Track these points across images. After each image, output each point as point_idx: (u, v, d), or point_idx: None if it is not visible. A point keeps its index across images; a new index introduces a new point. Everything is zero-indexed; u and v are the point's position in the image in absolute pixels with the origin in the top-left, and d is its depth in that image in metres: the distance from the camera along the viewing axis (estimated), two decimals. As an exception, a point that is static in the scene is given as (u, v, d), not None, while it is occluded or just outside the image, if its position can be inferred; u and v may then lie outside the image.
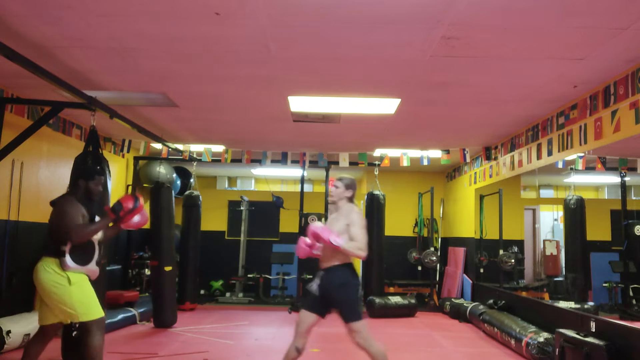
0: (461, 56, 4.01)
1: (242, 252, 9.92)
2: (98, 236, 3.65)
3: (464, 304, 7.69)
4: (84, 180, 3.69)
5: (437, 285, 9.47)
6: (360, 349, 3.57)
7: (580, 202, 8.09)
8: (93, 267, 3.62)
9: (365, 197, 8.85)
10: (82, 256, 3.54)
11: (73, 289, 3.46)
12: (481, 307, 7.00)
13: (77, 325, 3.49)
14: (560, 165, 6.41)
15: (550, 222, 10.87)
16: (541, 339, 4.98)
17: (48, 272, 3.46)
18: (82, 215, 3.57)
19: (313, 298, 3.65)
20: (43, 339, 3.72)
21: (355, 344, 3.59)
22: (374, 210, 8.52)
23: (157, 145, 7.77)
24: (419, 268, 9.51)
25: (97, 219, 3.67)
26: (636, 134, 4.05)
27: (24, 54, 3.88)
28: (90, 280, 3.62)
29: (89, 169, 3.83)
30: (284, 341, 6.11)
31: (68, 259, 3.46)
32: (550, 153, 5.66)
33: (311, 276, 8.86)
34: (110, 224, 3.74)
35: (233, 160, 8.25)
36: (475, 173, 8.48)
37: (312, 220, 8.69)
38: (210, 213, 10.00)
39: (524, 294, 8.10)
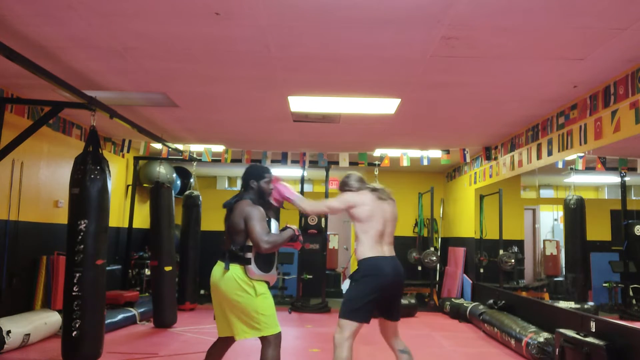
0: (461, 56, 4.01)
1: (242, 252, 9.89)
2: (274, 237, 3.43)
3: (464, 304, 7.69)
4: (255, 181, 3.50)
5: (437, 285, 9.47)
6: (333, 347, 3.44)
7: (580, 202, 8.09)
8: (274, 272, 3.42)
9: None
10: (266, 262, 3.32)
11: (258, 301, 3.26)
12: (481, 307, 7.01)
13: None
14: (560, 165, 6.41)
15: (550, 222, 10.87)
16: (541, 339, 4.98)
17: (233, 279, 3.24)
18: (264, 219, 3.35)
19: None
20: (223, 347, 3.62)
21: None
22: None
23: (157, 145, 7.77)
24: (419, 268, 9.51)
25: (274, 226, 3.45)
26: (636, 134, 4.05)
27: (24, 54, 3.89)
28: (268, 284, 3.42)
29: (258, 169, 3.61)
30: (283, 341, 6.09)
31: (254, 266, 3.25)
32: (550, 153, 5.66)
33: (311, 276, 8.89)
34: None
35: (233, 160, 8.25)
36: (475, 173, 8.48)
37: (313, 220, 8.69)
38: (210, 213, 9.99)
39: (524, 294, 8.10)
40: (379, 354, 5.52)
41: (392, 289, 3.47)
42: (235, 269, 3.27)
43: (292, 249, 8.73)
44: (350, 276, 3.50)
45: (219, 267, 3.36)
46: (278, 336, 3.34)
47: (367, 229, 3.46)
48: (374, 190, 3.62)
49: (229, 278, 3.27)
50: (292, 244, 3.47)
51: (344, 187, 3.66)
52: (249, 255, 3.26)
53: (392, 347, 3.64)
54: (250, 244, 3.26)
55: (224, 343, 3.56)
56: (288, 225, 3.47)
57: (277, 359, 3.34)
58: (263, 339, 3.32)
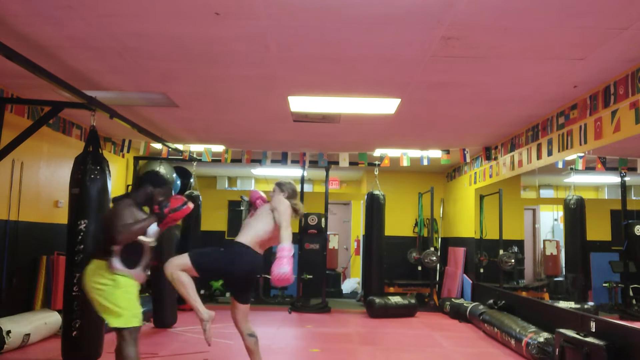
0: (461, 56, 4.01)
1: (242, 252, 9.90)
2: (150, 240, 3.53)
3: (464, 304, 7.69)
4: (152, 187, 3.58)
5: (437, 285, 9.47)
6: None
7: (580, 202, 8.09)
8: (140, 271, 3.51)
9: (365, 197, 8.86)
10: (130, 259, 3.42)
11: (119, 292, 3.35)
12: (481, 307, 7.01)
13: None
14: (560, 165, 6.41)
15: (550, 222, 10.87)
16: (541, 339, 4.98)
17: (93, 272, 3.36)
18: (134, 219, 3.44)
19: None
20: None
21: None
22: (374, 210, 8.52)
23: (157, 145, 7.77)
24: (419, 268, 9.51)
25: (151, 230, 3.56)
26: (636, 134, 4.05)
27: (24, 54, 3.88)
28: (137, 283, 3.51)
29: (161, 179, 3.68)
30: (283, 341, 6.12)
31: (116, 259, 3.34)
32: (550, 153, 5.66)
33: (311, 276, 8.89)
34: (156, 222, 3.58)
35: (233, 160, 8.25)
36: (475, 173, 8.48)
37: (313, 220, 8.69)
38: (210, 213, 10.00)
39: (524, 294, 8.10)
40: (379, 354, 5.52)
41: (248, 277, 4.05)
42: (98, 262, 3.38)
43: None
44: (235, 245, 3.83)
45: (88, 263, 3.46)
46: (134, 331, 3.42)
47: (269, 233, 3.89)
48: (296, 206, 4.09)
49: (90, 271, 3.39)
50: (175, 214, 3.54)
51: (288, 195, 4.04)
52: (114, 248, 3.36)
53: (242, 332, 4.05)
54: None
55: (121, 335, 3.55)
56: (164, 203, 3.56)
57: (132, 356, 3.40)
58: (119, 333, 3.39)
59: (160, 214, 3.50)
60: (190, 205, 3.63)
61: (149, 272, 3.67)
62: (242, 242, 3.79)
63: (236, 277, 3.92)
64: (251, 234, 3.81)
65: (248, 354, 3.92)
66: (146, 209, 3.62)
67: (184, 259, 3.67)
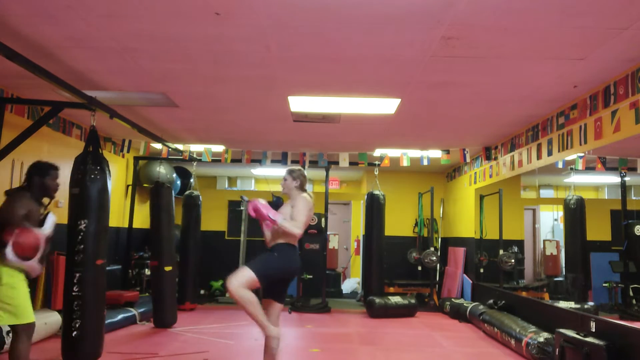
0: (461, 56, 4.02)
1: (242, 252, 9.91)
2: (46, 232, 3.55)
3: (464, 304, 7.69)
4: (39, 177, 3.66)
5: (437, 285, 9.46)
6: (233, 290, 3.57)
7: (580, 202, 8.09)
8: (34, 263, 3.47)
9: (365, 197, 8.86)
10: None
11: (2, 289, 3.33)
12: (481, 307, 7.01)
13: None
14: (560, 165, 6.41)
15: (550, 222, 10.87)
16: (541, 339, 4.98)
17: None
18: (30, 212, 3.49)
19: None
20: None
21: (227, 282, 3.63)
22: (374, 210, 8.52)
23: (157, 145, 7.77)
24: (419, 268, 9.51)
25: (50, 220, 3.62)
26: (636, 134, 4.05)
27: (24, 54, 3.89)
28: (28, 277, 3.50)
29: (43, 165, 3.75)
30: (284, 341, 6.10)
31: (9, 251, 3.31)
32: (550, 153, 5.66)
33: (311, 276, 8.89)
34: None
35: (233, 160, 8.25)
36: (475, 173, 8.48)
37: (313, 220, 8.68)
38: (210, 213, 10.00)
39: (524, 294, 8.10)
40: (379, 354, 5.52)
41: (290, 278, 4.00)
42: None
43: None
44: (273, 249, 3.80)
45: None
46: (29, 327, 3.39)
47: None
48: (311, 197, 3.99)
49: None
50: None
51: (300, 184, 3.95)
52: (6, 239, 3.35)
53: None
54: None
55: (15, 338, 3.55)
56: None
57: (26, 352, 3.39)
58: (13, 329, 3.37)
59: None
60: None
61: (44, 265, 3.64)
62: (286, 242, 3.79)
63: (289, 278, 3.94)
64: (286, 235, 3.77)
65: (264, 352, 3.85)
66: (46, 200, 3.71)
67: (246, 274, 3.58)
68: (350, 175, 11.58)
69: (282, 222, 3.67)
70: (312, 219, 3.89)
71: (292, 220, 3.71)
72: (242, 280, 3.55)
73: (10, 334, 4.74)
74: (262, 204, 3.73)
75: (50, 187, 3.71)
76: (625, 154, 7.16)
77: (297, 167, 4.07)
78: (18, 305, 3.37)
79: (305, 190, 3.98)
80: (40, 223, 3.60)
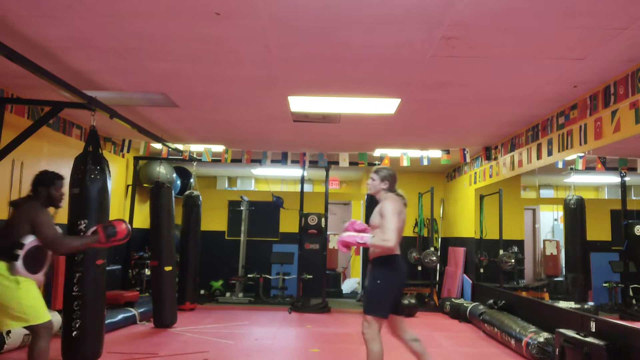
0: (461, 56, 4.02)
1: (242, 252, 9.92)
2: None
3: (464, 304, 7.69)
4: (44, 187, 3.63)
5: (437, 285, 9.47)
6: (363, 341, 3.61)
7: (580, 202, 8.09)
8: (41, 276, 3.54)
9: (365, 197, 8.86)
10: (35, 263, 3.45)
11: (21, 292, 3.37)
12: (481, 307, 7.01)
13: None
14: (560, 165, 6.41)
15: (550, 222, 10.87)
16: (541, 339, 4.98)
17: None
18: (52, 222, 3.51)
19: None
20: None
21: (361, 333, 3.61)
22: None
23: (157, 145, 7.77)
24: (419, 268, 9.51)
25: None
26: (636, 134, 4.05)
27: (24, 54, 3.89)
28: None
29: (47, 175, 3.72)
30: (284, 341, 6.13)
31: (20, 264, 3.34)
32: (550, 153, 5.66)
33: (311, 276, 8.89)
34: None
35: (233, 160, 8.25)
36: (475, 173, 8.48)
37: (313, 220, 8.69)
38: (210, 213, 10.00)
39: (524, 294, 8.09)
40: (379, 354, 5.52)
41: (403, 285, 3.75)
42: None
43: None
44: (373, 273, 3.64)
45: None
46: (47, 325, 3.42)
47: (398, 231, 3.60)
48: (401, 196, 3.80)
49: None
50: (99, 244, 3.67)
51: (388, 186, 3.77)
52: (19, 252, 3.35)
53: (405, 340, 3.75)
54: (24, 242, 3.37)
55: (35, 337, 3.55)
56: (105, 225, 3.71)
57: (47, 350, 3.41)
58: (33, 329, 3.39)
59: (105, 243, 3.64)
60: (125, 229, 3.71)
61: (45, 276, 3.67)
62: (384, 255, 3.61)
63: (401, 289, 3.75)
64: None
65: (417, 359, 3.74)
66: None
67: (371, 322, 3.52)
68: (350, 175, 11.58)
69: (372, 241, 3.54)
70: (404, 217, 3.68)
71: (382, 232, 3.52)
72: (372, 330, 3.52)
73: (10, 334, 4.76)
74: (348, 235, 3.60)
75: (55, 197, 3.67)
76: (625, 154, 7.16)
77: (384, 166, 3.89)
78: (34, 306, 3.41)
79: (394, 191, 3.78)
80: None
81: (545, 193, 11.47)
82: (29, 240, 3.41)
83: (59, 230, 3.56)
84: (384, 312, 3.57)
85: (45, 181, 3.66)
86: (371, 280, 3.65)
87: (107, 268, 4.92)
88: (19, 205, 3.58)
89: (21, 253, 3.35)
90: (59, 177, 3.72)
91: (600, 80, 4.51)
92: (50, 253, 3.56)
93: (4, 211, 5.40)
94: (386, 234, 3.50)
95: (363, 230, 3.78)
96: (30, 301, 3.39)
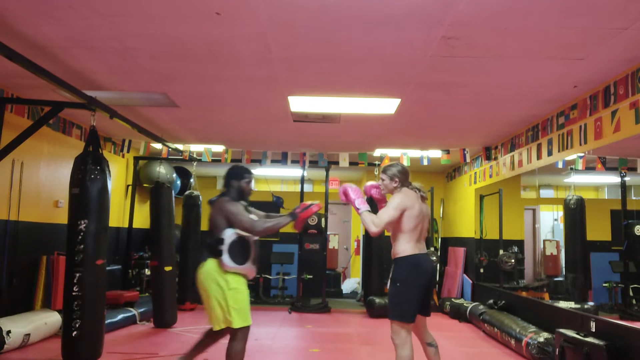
0: (461, 56, 4.02)
1: (242, 252, 9.90)
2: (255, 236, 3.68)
3: (464, 304, 7.69)
4: (236, 180, 3.76)
5: (437, 285, 9.46)
6: (394, 347, 3.50)
7: (580, 202, 8.09)
8: (250, 266, 3.64)
9: (365, 197, 8.85)
10: (239, 255, 3.57)
11: (231, 293, 3.49)
12: (481, 307, 7.01)
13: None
14: (560, 165, 6.41)
15: (550, 222, 10.87)
16: (541, 339, 4.98)
17: (208, 272, 3.53)
18: (244, 211, 3.65)
19: None
20: (209, 340, 3.74)
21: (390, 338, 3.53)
22: (374, 210, 8.50)
23: (157, 145, 7.77)
24: (419, 268, 9.49)
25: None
26: (636, 134, 4.05)
27: (24, 54, 3.89)
28: (247, 280, 3.66)
29: (239, 170, 3.85)
30: (284, 341, 6.13)
31: (226, 257, 3.50)
32: (550, 153, 5.66)
33: (311, 276, 8.89)
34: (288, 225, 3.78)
35: (233, 160, 8.24)
36: (475, 173, 8.48)
37: (313, 220, 8.69)
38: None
39: (524, 294, 8.09)
40: (379, 354, 5.52)
41: (430, 285, 3.64)
42: (211, 262, 3.56)
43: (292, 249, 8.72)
44: (393, 276, 3.54)
45: (202, 263, 3.62)
46: (245, 330, 3.52)
47: (413, 228, 3.49)
48: (416, 189, 3.65)
49: (205, 271, 3.57)
50: (305, 213, 3.72)
51: (399, 183, 3.64)
52: (222, 247, 3.52)
53: (422, 340, 3.71)
54: (223, 237, 3.52)
55: (216, 333, 3.68)
56: (304, 205, 3.75)
57: (242, 352, 3.51)
58: (232, 331, 3.50)
59: (293, 214, 3.71)
60: (317, 203, 3.77)
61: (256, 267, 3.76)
62: (402, 256, 3.49)
63: (428, 288, 3.58)
64: (396, 244, 3.52)
65: None
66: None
67: (399, 327, 3.41)
68: (350, 175, 11.58)
69: (362, 215, 3.47)
70: (417, 212, 3.51)
71: (377, 216, 3.43)
72: (401, 336, 3.40)
73: (11, 334, 4.75)
74: (353, 188, 3.58)
75: (245, 190, 3.79)
76: (625, 154, 7.16)
77: (393, 163, 3.73)
78: (242, 309, 3.49)
79: (408, 185, 3.62)
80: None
81: (545, 193, 11.47)
82: (228, 234, 3.55)
83: (254, 217, 3.72)
84: (409, 316, 3.42)
85: (237, 175, 3.78)
86: (391, 283, 3.53)
87: (107, 268, 4.93)
88: (214, 203, 3.71)
89: (224, 248, 3.51)
90: (248, 172, 3.84)
91: (600, 80, 4.51)
92: (253, 243, 3.67)
93: (4, 211, 5.41)
94: (377, 219, 3.42)
95: (379, 200, 3.72)
96: (237, 304, 3.48)
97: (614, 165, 7.32)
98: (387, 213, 3.44)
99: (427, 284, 3.53)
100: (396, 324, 3.46)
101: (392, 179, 3.65)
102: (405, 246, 3.48)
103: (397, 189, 3.62)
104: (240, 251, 3.57)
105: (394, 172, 3.65)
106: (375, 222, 3.41)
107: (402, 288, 3.45)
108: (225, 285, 3.49)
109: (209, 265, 3.55)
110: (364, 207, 3.51)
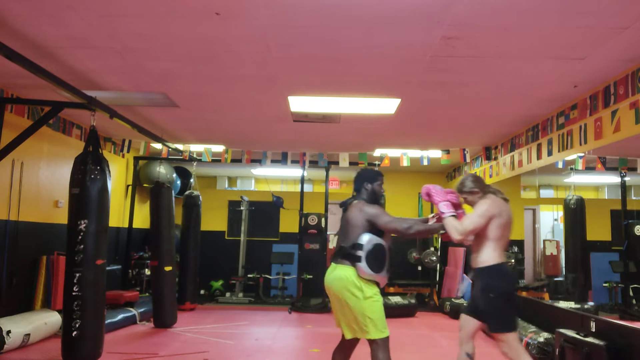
0: (461, 56, 4.01)
1: (242, 252, 9.92)
2: (389, 243, 3.52)
3: (464, 304, 7.68)
4: (369, 183, 3.64)
5: (437, 285, 9.47)
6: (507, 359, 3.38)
7: (580, 202, 8.09)
8: (385, 274, 3.42)
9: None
10: (376, 262, 3.35)
11: (367, 303, 3.30)
12: (481, 307, 6.99)
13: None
14: (560, 165, 6.42)
15: (550, 222, 10.88)
16: (541, 339, 4.98)
17: (343, 279, 3.33)
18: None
19: (472, 301, 3.54)
20: (344, 350, 3.59)
21: (502, 354, 3.40)
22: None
23: (157, 145, 7.77)
24: (419, 268, 9.51)
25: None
26: (636, 134, 4.05)
27: (24, 54, 3.89)
28: (378, 286, 3.44)
29: (371, 172, 3.72)
30: (284, 341, 6.13)
31: (364, 264, 3.29)
32: (550, 153, 5.66)
33: (311, 276, 8.88)
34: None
35: (233, 160, 8.24)
36: (475, 173, 8.47)
37: (313, 220, 8.69)
38: (210, 213, 10.00)
39: (524, 294, 8.10)
40: (379, 354, 5.52)
41: (516, 291, 3.52)
42: (346, 269, 3.34)
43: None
44: (484, 287, 3.41)
45: (331, 267, 3.45)
46: (386, 340, 3.33)
47: (500, 236, 3.39)
48: (497, 192, 3.54)
49: (339, 278, 3.35)
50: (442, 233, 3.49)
51: (478, 193, 3.52)
52: (360, 253, 3.30)
53: (463, 346, 3.59)
54: (361, 242, 3.32)
55: (350, 344, 3.55)
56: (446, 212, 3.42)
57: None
58: (371, 341, 3.33)
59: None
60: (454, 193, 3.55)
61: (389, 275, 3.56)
62: (483, 266, 3.41)
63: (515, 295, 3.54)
64: (481, 251, 3.41)
65: None
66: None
67: (506, 338, 3.32)
68: (350, 175, 11.57)
69: (447, 220, 3.33)
70: (505, 221, 3.39)
71: (461, 223, 3.31)
72: (512, 346, 3.31)
73: (11, 334, 4.75)
74: (437, 190, 3.45)
75: (378, 193, 3.66)
76: (625, 154, 7.17)
77: (461, 179, 3.62)
78: (379, 319, 3.32)
79: (489, 191, 3.51)
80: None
81: (545, 193, 11.48)
82: (366, 240, 3.34)
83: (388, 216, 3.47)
84: (511, 324, 3.33)
85: (370, 178, 3.65)
86: (482, 295, 3.40)
87: (107, 268, 4.93)
88: (347, 206, 3.60)
89: (362, 254, 3.30)
90: (380, 174, 3.71)
91: (600, 80, 4.51)
92: (387, 251, 3.45)
93: (4, 211, 5.41)
94: (460, 226, 3.29)
95: (455, 205, 3.49)
96: (372, 314, 3.30)
97: (614, 165, 7.33)
98: (471, 220, 3.33)
99: (515, 289, 3.45)
100: (504, 335, 3.33)
101: (471, 192, 3.52)
102: (491, 254, 3.37)
103: (482, 197, 3.50)
104: (377, 257, 3.35)
105: (470, 186, 3.53)
106: (459, 230, 3.29)
107: (497, 297, 3.33)
108: (360, 295, 3.29)
109: (343, 272, 3.34)
110: (449, 211, 3.36)
